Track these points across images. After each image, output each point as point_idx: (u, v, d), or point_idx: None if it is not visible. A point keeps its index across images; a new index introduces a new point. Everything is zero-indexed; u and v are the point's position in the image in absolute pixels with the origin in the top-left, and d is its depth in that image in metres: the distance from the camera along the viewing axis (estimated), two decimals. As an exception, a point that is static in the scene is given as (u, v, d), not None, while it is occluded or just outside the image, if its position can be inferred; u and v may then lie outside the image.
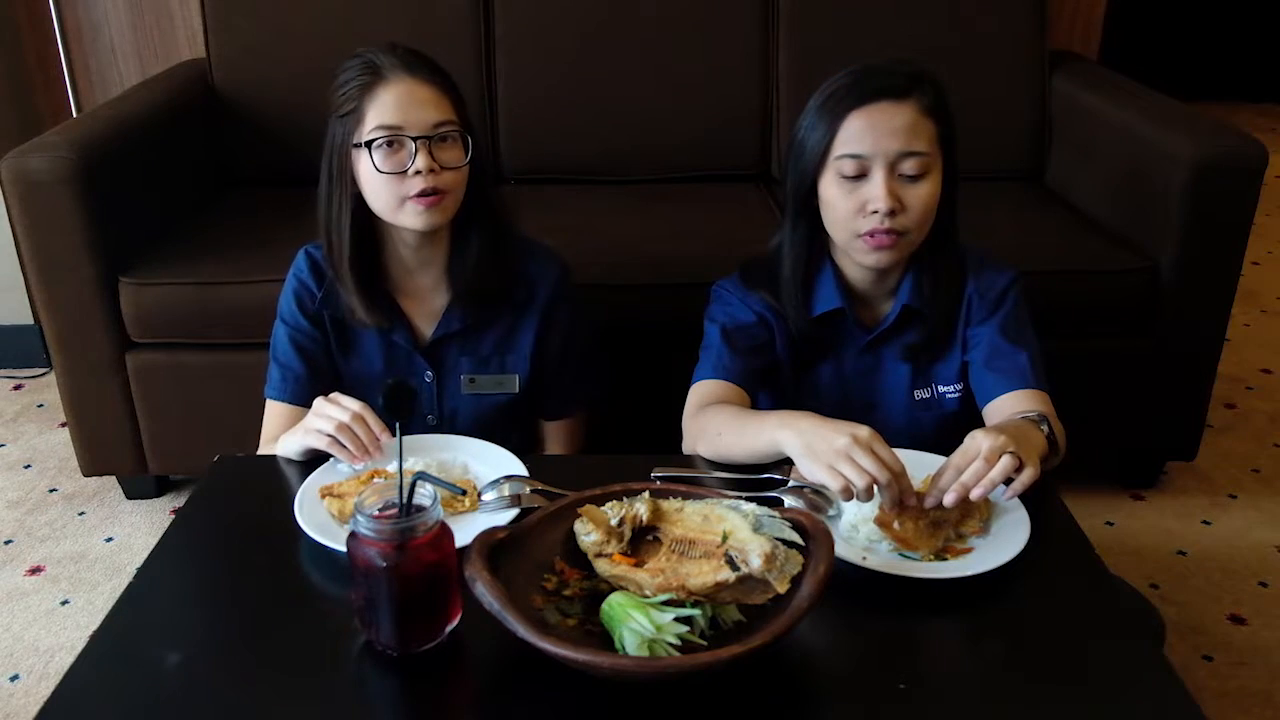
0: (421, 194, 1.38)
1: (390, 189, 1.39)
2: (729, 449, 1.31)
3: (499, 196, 1.49)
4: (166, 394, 2.13)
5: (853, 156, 1.33)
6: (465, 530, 1.07)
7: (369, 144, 1.37)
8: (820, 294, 1.46)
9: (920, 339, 1.46)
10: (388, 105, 1.37)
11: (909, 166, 1.33)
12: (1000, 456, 1.15)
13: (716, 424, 1.33)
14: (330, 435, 1.28)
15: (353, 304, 1.47)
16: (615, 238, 2.19)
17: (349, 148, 1.40)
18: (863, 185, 1.34)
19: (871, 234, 1.35)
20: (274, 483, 1.32)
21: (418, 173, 1.37)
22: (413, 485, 1.02)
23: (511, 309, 1.55)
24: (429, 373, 1.54)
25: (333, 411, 1.29)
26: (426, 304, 1.53)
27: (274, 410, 1.52)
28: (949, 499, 1.15)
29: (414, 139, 1.37)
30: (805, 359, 1.50)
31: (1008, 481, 1.16)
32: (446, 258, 1.51)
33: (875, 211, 1.33)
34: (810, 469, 1.17)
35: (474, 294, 1.51)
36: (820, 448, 1.16)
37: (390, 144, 1.37)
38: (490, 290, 1.52)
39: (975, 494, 1.14)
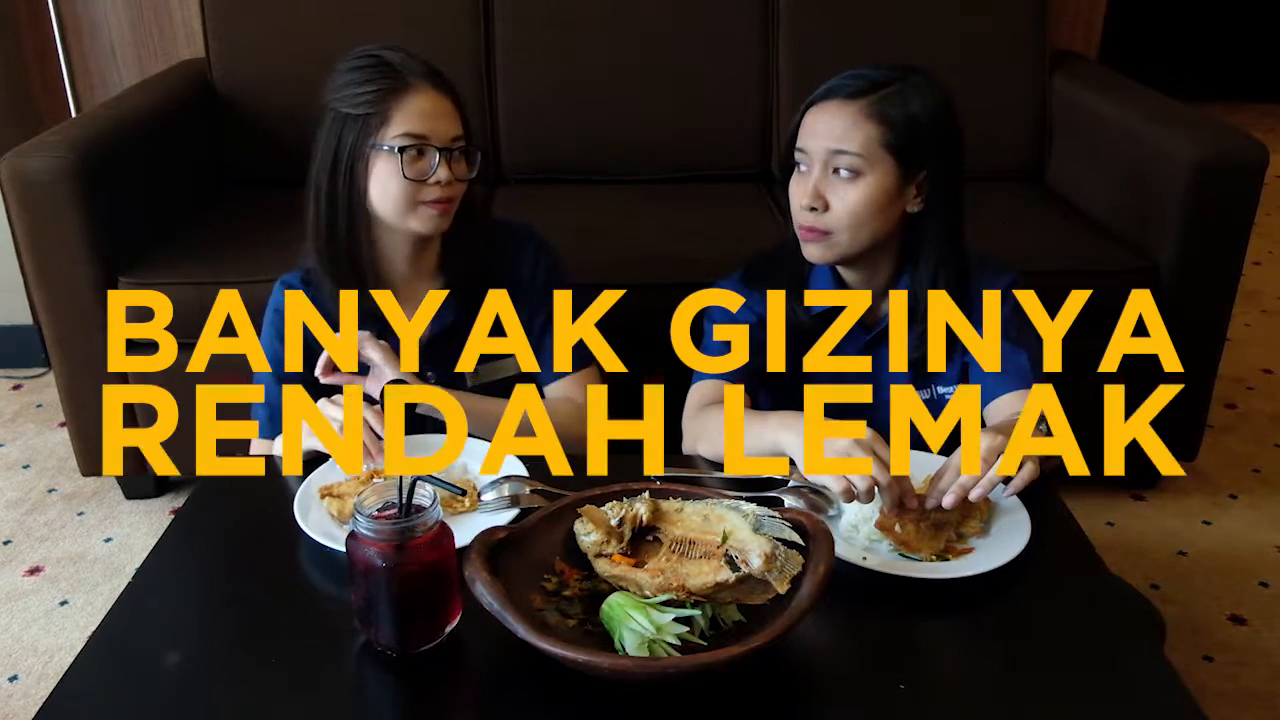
0: (436, 201, 1.41)
1: (406, 193, 1.40)
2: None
3: (474, 188, 1.51)
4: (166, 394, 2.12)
5: (799, 151, 1.38)
6: (465, 530, 1.07)
7: (401, 150, 1.38)
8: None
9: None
10: (415, 114, 1.39)
11: (841, 166, 1.34)
12: (998, 456, 1.15)
13: (717, 424, 1.34)
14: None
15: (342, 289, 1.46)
16: (615, 238, 2.19)
17: (365, 148, 1.40)
18: (804, 179, 1.38)
19: (801, 227, 1.39)
20: (274, 483, 1.32)
21: (437, 182, 1.40)
22: (412, 485, 1.02)
23: (495, 290, 1.55)
24: (430, 374, 1.54)
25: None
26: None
27: (262, 450, 1.49)
28: (948, 500, 1.15)
29: (438, 149, 1.40)
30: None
31: (1007, 480, 1.16)
32: (437, 258, 1.53)
33: (800, 206, 1.37)
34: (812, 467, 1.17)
35: (465, 285, 1.52)
36: (821, 448, 1.16)
37: (417, 151, 1.39)
38: (479, 278, 1.53)
39: (974, 494, 1.15)
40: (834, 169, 1.35)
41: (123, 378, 2.11)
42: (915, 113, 1.35)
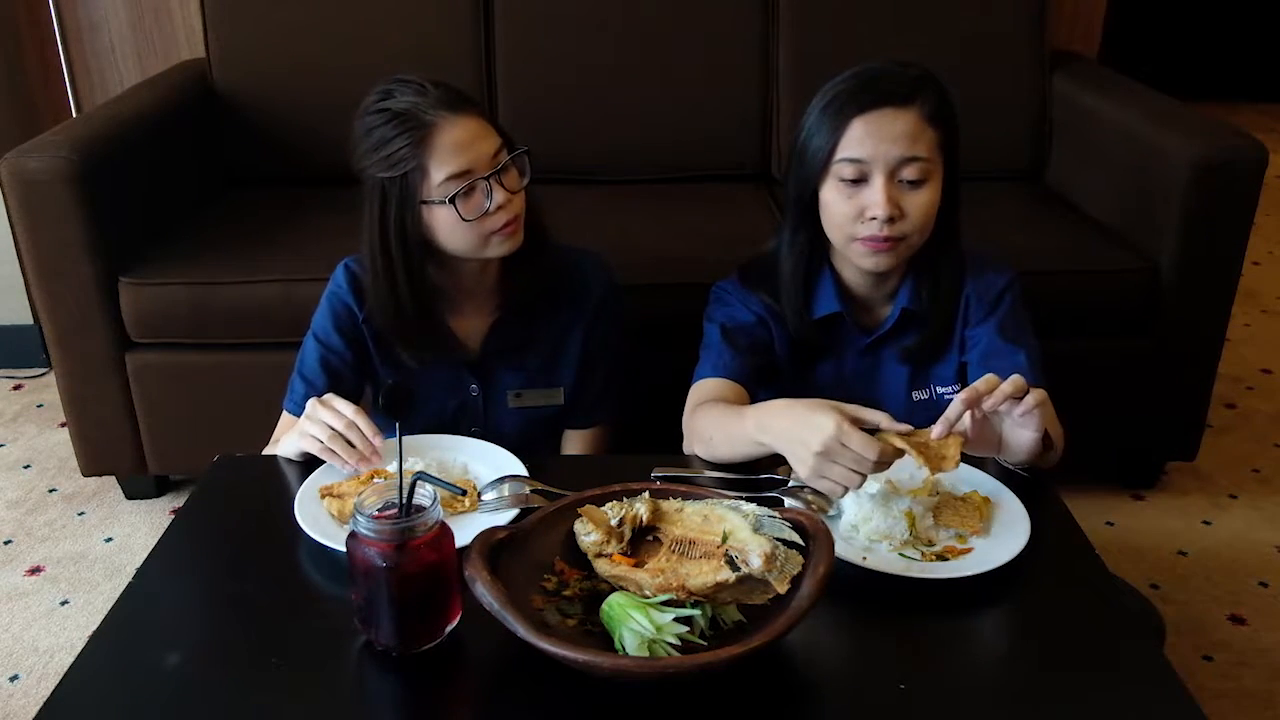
0: (504, 226, 1.40)
1: (474, 231, 1.39)
2: (720, 452, 1.31)
3: (530, 192, 1.48)
4: (166, 394, 2.13)
5: (853, 161, 1.33)
6: (465, 530, 1.07)
7: (452, 199, 1.36)
8: (819, 297, 1.46)
9: (919, 341, 1.46)
10: (449, 151, 1.36)
11: (909, 173, 1.33)
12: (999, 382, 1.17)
13: (707, 426, 1.33)
14: (323, 443, 1.28)
15: (406, 349, 1.47)
16: (615, 238, 2.19)
17: (414, 206, 1.38)
18: (862, 190, 1.34)
19: (868, 239, 1.35)
20: (274, 483, 1.32)
21: (499, 208, 1.38)
22: (413, 485, 1.02)
23: (558, 319, 1.55)
24: (474, 387, 1.54)
25: (326, 417, 1.29)
26: (475, 320, 1.53)
27: (289, 424, 1.48)
28: (956, 408, 1.15)
29: (486, 178, 1.37)
30: (805, 360, 1.49)
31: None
32: (498, 273, 1.51)
33: (874, 218, 1.33)
34: (803, 475, 1.17)
35: (525, 304, 1.51)
36: (800, 455, 1.16)
37: (467, 190, 1.37)
38: (540, 299, 1.52)
39: (987, 404, 1.15)
40: (898, 177, 1.33)
41: (124, 377, 2.11)
42: (949, 112, 1.36)
